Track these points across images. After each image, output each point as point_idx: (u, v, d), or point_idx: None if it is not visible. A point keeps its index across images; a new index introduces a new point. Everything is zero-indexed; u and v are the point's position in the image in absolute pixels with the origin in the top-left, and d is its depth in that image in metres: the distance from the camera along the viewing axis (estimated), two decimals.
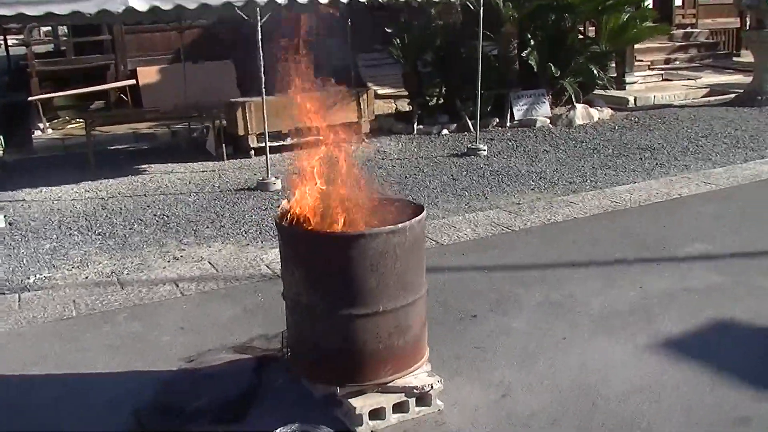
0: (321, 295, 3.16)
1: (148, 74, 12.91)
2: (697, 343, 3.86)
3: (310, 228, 3.26)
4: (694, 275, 4.80)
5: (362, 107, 9.95)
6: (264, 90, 7.78)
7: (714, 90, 13.71)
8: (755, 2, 12.57)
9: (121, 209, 7.35)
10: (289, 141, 9.20)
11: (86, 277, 5.35)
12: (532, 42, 11.05)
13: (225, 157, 9.44)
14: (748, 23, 16.01)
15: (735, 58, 17.80)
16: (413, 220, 3.19)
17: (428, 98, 11.35)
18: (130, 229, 6.63)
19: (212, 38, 12.86)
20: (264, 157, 8.08)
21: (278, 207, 3.48)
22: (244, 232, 6.36)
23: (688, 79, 14.94)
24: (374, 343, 3.15)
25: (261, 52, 7.52)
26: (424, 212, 3.30)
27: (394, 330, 3.18)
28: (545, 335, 4.01)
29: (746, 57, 16.09)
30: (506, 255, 5.40)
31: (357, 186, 3.41)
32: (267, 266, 5.30)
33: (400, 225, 3.13)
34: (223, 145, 9.50)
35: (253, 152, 9.51)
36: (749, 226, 5.83)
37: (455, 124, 10.78)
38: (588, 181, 7.65)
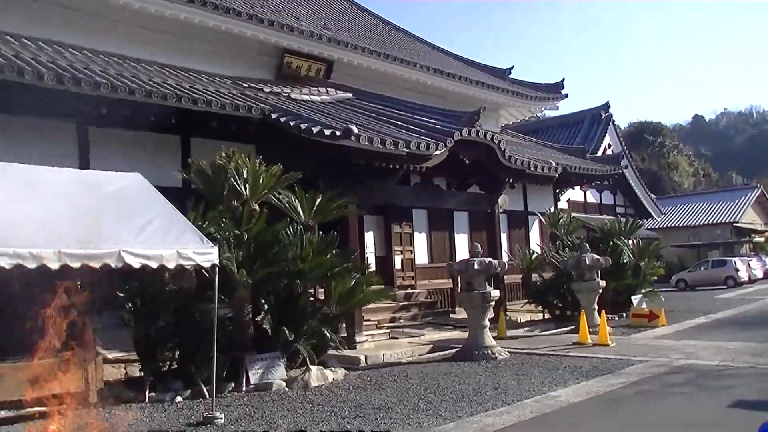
0: None
1: None
2: None
3: None
4: None
5: (90, 374, 9.35)
6: None
7: (437, 346, 14.72)
8: (464, 267, 14.03)
9: None
10: (4, 414, 8.33)
11: None
12: (266, 306, 11.32)
13: None
14: (459, 285, 17.68)
15: (452, 315, 19.50)
16: None
17: (162, 363, 10.96)
18: None
19: None
20: None
21: None
22: None
23: (413, 336, 15.97)
24: None
25: None
26: None
27: None
28: None
29: (461, 314, 17.64)
30: None
31: None
32: None
33: None
34: None
35: None
36: None
37: (189, 391, 10.42)
38: None
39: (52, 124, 13.16)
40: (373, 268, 15.51)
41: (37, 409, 7.95)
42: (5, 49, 12.95)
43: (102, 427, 8.61)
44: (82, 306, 10.91)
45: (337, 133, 13.98)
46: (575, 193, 32.40)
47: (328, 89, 19.90)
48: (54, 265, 7.70)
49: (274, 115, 15.05)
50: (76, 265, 7.92)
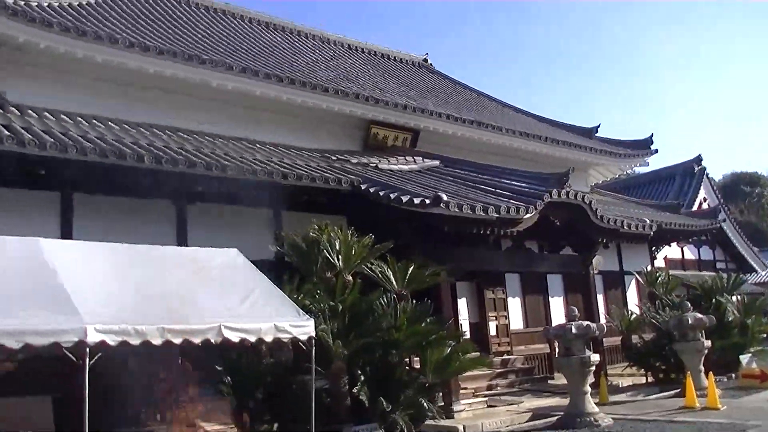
0: None
1: None
2: None
3: None
4: None
5: None
6: None
7: (537, 414, 14.34)
8: (561, 332, 13.72)
9: None
10: None
11: None
12: (362, 377, 11.30)
13: None
14: (557, 350, 17.25)
15: (550, 381, 19.01)
16: None
17: None
18: None
19: (29, 372, 12.18)
20: None
21: None
22: None
23: (511, 404, 15.61)
24: None
25: (87, 392, 7.21)
26: None
27: None
28: None
29: (560, 379, 17.18)
30: None
31: None
32: None
33: None
34: None
35: None
36: None
37: None
38: None
39: (149, 204, 13.73)
40: (467, 335, 15.37)
41: None
42: (107, 134, 13.69)
43: None
44: (183, 379, 11.21)
45: (427, 201, 14.06)
46: (672, 250, 31.44)
47: (415, 158, 20.09)
48: (157, 341, 7.94)
49: (363, 186, 15.28)
50: (177, 340, 8.15)
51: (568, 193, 16.34)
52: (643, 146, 28.51)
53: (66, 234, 12.75)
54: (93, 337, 7.45)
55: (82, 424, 7.44)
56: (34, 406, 12.10)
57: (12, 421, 10.72)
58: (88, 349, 7.37)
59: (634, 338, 20.12)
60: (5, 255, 8.61)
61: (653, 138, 28.43)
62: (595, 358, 13.58)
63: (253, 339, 8.70)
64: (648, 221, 20.33)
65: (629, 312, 21.20)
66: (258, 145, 17.01)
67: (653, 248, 26.97)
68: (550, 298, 22.50)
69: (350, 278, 12.09)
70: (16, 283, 8.07)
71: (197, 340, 8.29)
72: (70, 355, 7.52)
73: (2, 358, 10.79)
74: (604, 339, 18.21)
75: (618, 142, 28.72)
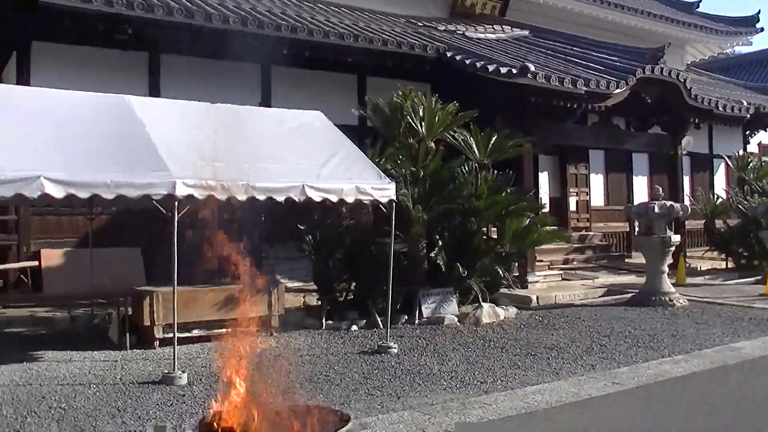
0: None
1: (52, 257, 12.59)
2: None
3: None
4: None
5: (272, 301, 9.92)
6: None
7: (611, 290, 14.39)
8: (643, 211, 13.52)
9: (12, 399, 6.90)
10: (196, 333, 9.05)
11: None
12: (440, 242, 11.47)
13: (128, 347, 9.13)
14: (636, 228, 17.05)
15: (627, 259, 18.91)
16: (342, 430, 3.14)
17: (338, 294, 11.43)
18: (22, 422, 6.20)
19: (121, 225, 12.78)
20: (169, 347, 7.86)
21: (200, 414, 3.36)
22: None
23: (586, 278, 15.67)
24: None
25: (176, 243, 7.52)
26: (350, 423, 3.26)
27: None
28: None
29: (637, 258, 17.11)
30: None
31: (279, 391, 3.35)
32: None
33: None
34: (127, 334, 9.22)
35: (157, 343, 9.24)
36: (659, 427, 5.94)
37: (365, 321, 10.83)
38: (499, 381, 7.70)
39: (235, 67, 13.82)
40: (547, 208, 15.30)
41: (224, 330, 8.57)
42: None
43: (284, 348, 9.18)
44: (266, 237, 11.60)
45: (514, 71, 13.76)
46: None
47: (504, 27, 19.52)
48: (242, 197, 8.16)
49: (449, 54, 15.01)
50: (261, 197, 8.35)
51: (662, 69, 15.72)
52: (748, 24, 26.91)
53: (153, 94, 13.04)
54: (181, 191, 7.70)
55: (171, 274, 7.82)
56: (126, 255, 12.79)
57: (107, 271, 11.37)
58: (176, 203, 7.63)
59: (718, 223, 19.67)
60: (97, 111, 8.86)
61: (759, 15, 26.76)
62: (676, 238, 13.40)
63: (334, 199, 8.85)
64: (745, 103, 19.50)
65: (715, 196, 20.70)
66: (344, 9, 16.75)
67: (747, 132, 25.85)
68: (634, 177, 22.05)
69: (433, 145, 12.09)
70: (108, 138, 8.33)
71: (280, 198, 8.49)
72: (160, 208, 7.82)
73: (98, 211, 11.34)
74: (686, 221, 17.92)
75: (720, 18, 27.18)
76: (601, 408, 6.66)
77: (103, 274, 11.11)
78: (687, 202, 18.82)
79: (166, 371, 7.76)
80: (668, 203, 13.52)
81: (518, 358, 8.81)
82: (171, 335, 8.09)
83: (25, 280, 12.51)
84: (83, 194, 7.58)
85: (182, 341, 8.59)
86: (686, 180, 21.67)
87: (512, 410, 6.51)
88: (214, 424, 3.18)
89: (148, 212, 8.60)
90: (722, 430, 6.02)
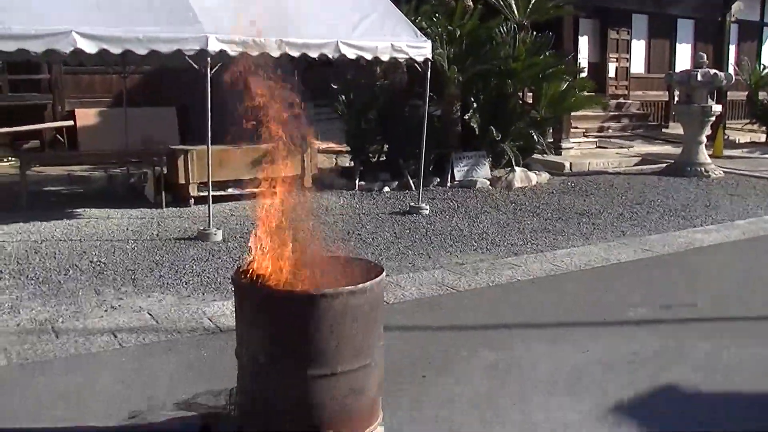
0: (278, 354, 3.09)
1: (86, 116, 12.69)
2: (643, 409, 3.89)
3: (270, 286, 3.20)
4: (638, 340, 4.87)
5: (305, 161, 9.94)
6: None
7: (646, 159, 14.21)
8: (684, 78, 13.14)
9: (55, 254, 7.11)
10: (230, 191, 9.15)
11: (18, 324, 5.13)
12: (475, 105, 11.30)
13: (164, 205, 9.29)
14: (676, 97, 16.65)
15: (664, 129, 18.55)
16: (374, 281, 3.17)
17: (370, 155, 11.43)
18: (64, 275, 6.40)
19: (155, 84, 12.75)
20: (203, 206, 7.98)
21: (236, 263, 3.42)
22: (184, 283, 6.20)
23: (621, 147, 15.48)
24: (330, 404, 3.09)
25: (209, 102, 7.47)
26: (384, 273, 3.29)
27: (351, 391, 3.12)
28: (496, 398, 3.98)
29: (674, 129, 16.79)
30: (452, 316, 5.40)
31: (314, 244, 3.38)
32: (209, 319, 5.17)
33: (360, 286, 3.11)
34: (162, 192, 9.36)
35: (192, 201, 9.39)
36: (687, 292, 5.98)
37: (397, 182, 10.87)
38: (529, 243, 7.76)
39: None
40: (585, 73, 14.93)
41: (257, 189, 8.65)
42: None
43: (316, 206, 9.27)
44: (300, 96, 11.49)
45: None
46: None
47: None
48: (275, 53, 7.98)
49: None
50: (295, 53, 8.18)
51: None
52: None
53: None
54: (214, 46, 7.56)
55: (204, 133, 7.80)
56: (161, 114, 12.83)
57: (141, 130, 11.41)
58: (209, 58, 7.52)
59: (762, 95, 19.12)
60: None
61: None
62: (717, 108, 13.07)
63: (369, 57, 8.65)
64: None
65: (761, 66, 20.01)
66: None
67: None
68: (677, 44, 21.29)
69: (470, 3, 11.73)
70: None
71: (314, 55, 8.32)
72: (193, 64, 7.72)
73: (131, 70, 11.27)
74: (728, 92, 17.42)
75: None
76: (630, 271, 6.71)
77: (138, 132, 11.19)
78: (731, 71, 18.25)
79: (202, 228, 7.91)
80: (711, 71, 13.10)
81: (549, 222, 8.83)
82: (205, 193, 8.18)
83: (61, 139, 12.65)
84: (116, 49, 7.48)
85: (217, 199, 8.69)
86: (732, 48, 20.88)
87: (541, 272, 6.58)
88: (252, 270, 3.23)
89: (182, 70, 8.50)
90: (752, 294, 6.04)
